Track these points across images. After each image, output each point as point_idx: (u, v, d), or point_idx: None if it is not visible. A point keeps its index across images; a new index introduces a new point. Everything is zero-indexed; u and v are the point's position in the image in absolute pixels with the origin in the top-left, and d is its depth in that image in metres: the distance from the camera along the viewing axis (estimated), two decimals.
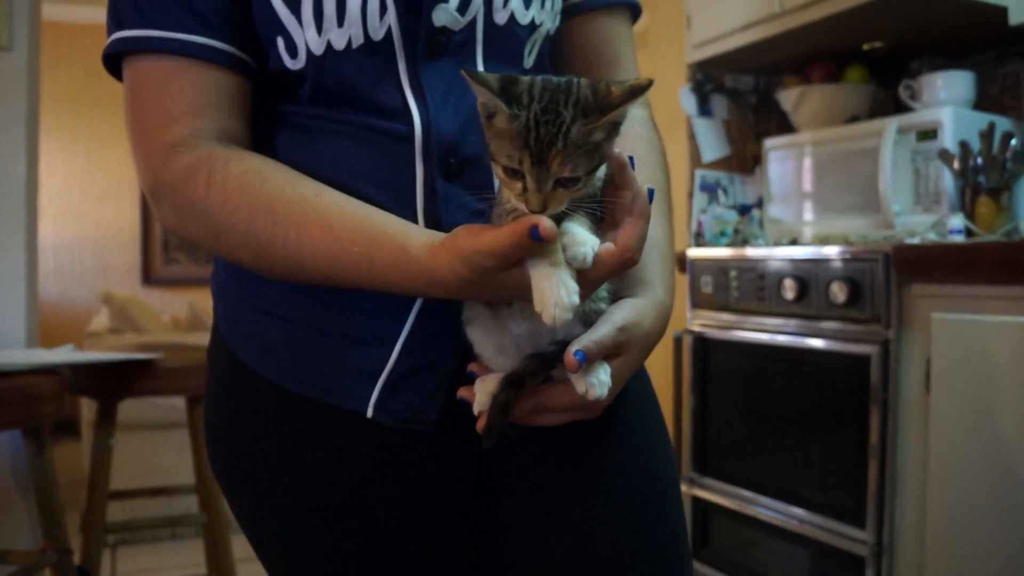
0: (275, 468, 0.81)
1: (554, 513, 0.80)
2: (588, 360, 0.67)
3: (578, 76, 0.69)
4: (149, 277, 5.68)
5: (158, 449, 3.20)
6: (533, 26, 0.81)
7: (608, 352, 0.70)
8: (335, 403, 0.79)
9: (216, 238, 0.75)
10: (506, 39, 0.79)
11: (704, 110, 2.69)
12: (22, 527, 2.11)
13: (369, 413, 0.78)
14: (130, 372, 1.98)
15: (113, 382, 1.97)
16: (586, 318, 0.71)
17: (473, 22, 0.77)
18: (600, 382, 0.68)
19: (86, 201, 5.47)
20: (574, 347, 0.67)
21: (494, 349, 0.73)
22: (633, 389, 0.84)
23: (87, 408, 3.13)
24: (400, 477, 0.80)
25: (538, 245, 0.61)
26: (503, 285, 0.66)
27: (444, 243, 0.68)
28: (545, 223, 0.61)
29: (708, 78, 2.69)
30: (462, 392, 0.73)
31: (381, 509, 0.80)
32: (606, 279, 0.67)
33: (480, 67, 0.78)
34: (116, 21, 0.76)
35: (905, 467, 1.81)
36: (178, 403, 3.04)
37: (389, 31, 0.74)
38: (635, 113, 0.89)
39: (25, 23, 2.17)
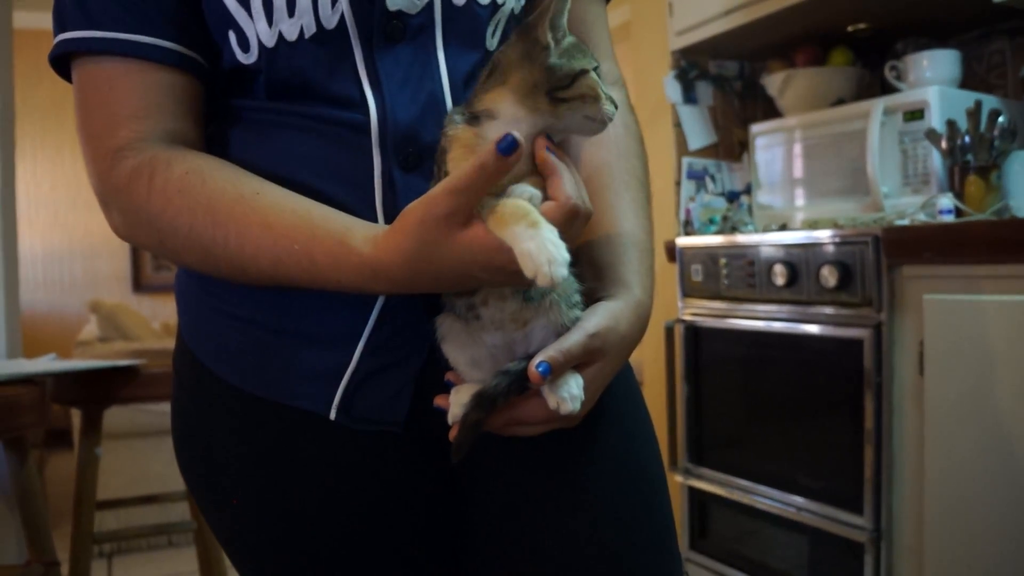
0: (238, 474, 0.79)
1: (533, 514, 0.77)
2: (554, 371, 0.65)
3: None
4: (140, 284, 5.64)
5: (151, 456, 3.18)
6: (495, 5, 0.78)
7: (578, 361, 0.67)
8: (297, 406, 0.76)
9: (162, 243, 0.73)
10: (466, 20, 0.76)
11: (689, 97, 2.67)
12: (9, 540, 2.08)
13: (332, 416, 0.76)
14: (113, 380, 1.95)
15: (96, 390, 1.95)
16: (560, 328, 0.68)
17: (430, 4, 0.74)
18: (572, 396, 0.66)
19: (73, 210, 5.43)
20: (538, 359, 0.64)
21: (468, 363, 0.71)
22: (616, 387, 0.81)
23: (78, 418, 3.11)
24: (368, 480, 0.78)
25: (506, 163, 0.59)
26: (456, 254, 0.62)
27: (390, 227, 0.65)
28: (515, 133, 0.59)
29: (692, 65, 2.67)
30: (438, 401, 0.71)
31: (349, 514, 0.78)
32: (566, 234, 0.63)
33: (440, 51, 0.75)
34: (60, 23, 0.74)
35: (901, 451, 1.79)
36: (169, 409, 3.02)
37: (342, 18, 0.72)
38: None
39: None
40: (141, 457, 3.16)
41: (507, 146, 0.58)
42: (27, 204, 5.22)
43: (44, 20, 4.96)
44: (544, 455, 0.78)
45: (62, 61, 0.76)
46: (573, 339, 0.67)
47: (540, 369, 0.64)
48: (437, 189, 0.62)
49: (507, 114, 0.66)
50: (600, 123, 0.67)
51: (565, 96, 0.65)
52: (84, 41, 0.72)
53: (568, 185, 0.64)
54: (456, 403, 0.69)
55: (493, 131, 0.65)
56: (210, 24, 0.74)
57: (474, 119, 0.67)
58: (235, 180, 0.71)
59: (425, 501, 0.80)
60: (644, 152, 0.86)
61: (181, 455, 0.84)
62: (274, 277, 0.70)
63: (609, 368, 0.72)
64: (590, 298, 0.74)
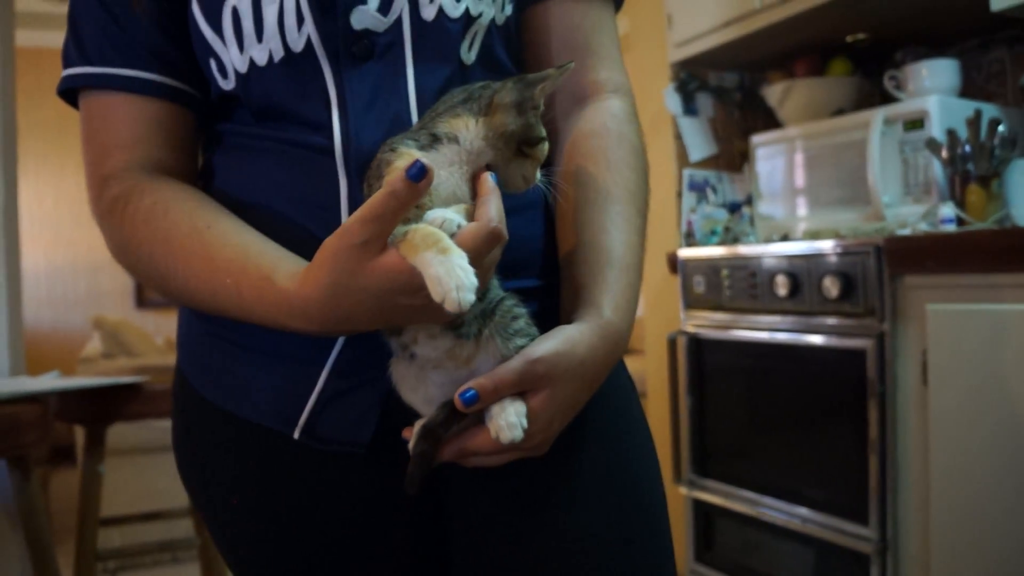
0: (221, 488, 0.80)
1: (518, 536, 0.76)
2: (482, 398, 0.64)
3: (544, 70, 0.70)
4: (143, 300, 5.65)
5: (155, 472, 3.17)
6: (469, 18, 0.76)
7: (514, 388, 0.66)
8: (265, 424, 0.77)
9: (134, 269, 0.76)
10: (437, 36, 0.75)
11: (689, 109, 2.67)
12: (12, 559, 2.08)
13: (295, 435, 0.76)
14: (117, 396, 1.95)
15: (100, 407, 1.95)
16: (504, 360, 0.67)
17: (399, 21, 0.74)
18: (509, 424, 0.64)
19: (77, 226, 5.45)
20: (466, 386, 0.64)
21: (423, 402, 0.71)
22: (607, 407, 0.80)
23: (82, 434, 3.11)
24: (344, 499, 0.78)
25: (416, 189, 0.58)
26: (373, 283, 0.61)
27: (310, 262, 0.65)
28: (425, 160, 0.59)
29: (692, 77, 2.68)
30: (405, 433, 0.71)
31: (330, 530, 0.78)
32: (483, 257, 0.63)
33: (410, 68, 0.74)
34: (64, 59, 0.78)
35: (906, 461, 1.78)
36: None
37: (309, 41, 0.72)
38: (607, 105, 0.84)
39: None
40: (145, 473, 3.16)
41: (416, 172, 0.58)
42: (30, 221, 5.23)
43: (47, 39, 4.99)
44: (523, 481, 0.76)
45: (72, 95, 0.80)
46: (509, 366, 0.66)
47: (464, 397, 0.64)
48: (351, 219, 0.61)
49: (470, 144, 0.68)
50: (527, 184, 0.71)
51: (527, 152, 0.69)
52: (80, 77, 0.77)
53: (494, 208, 0.64)
54: (415, 435, 0.69)
55: (450, 154, 0.67)
56: (196, 54, 0.77)
57: (434, 139, 0.67)
58: (193, 212, 0.73)
59: (404, 521, 0.80)
60: (641, 163, 0.83)
61: (179, 468, 0.86)
62: (213, 309, 0.72)
63: (564, 394, 0.68)
64: (565, 321, 0.72)
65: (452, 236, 0.61)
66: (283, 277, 0.66)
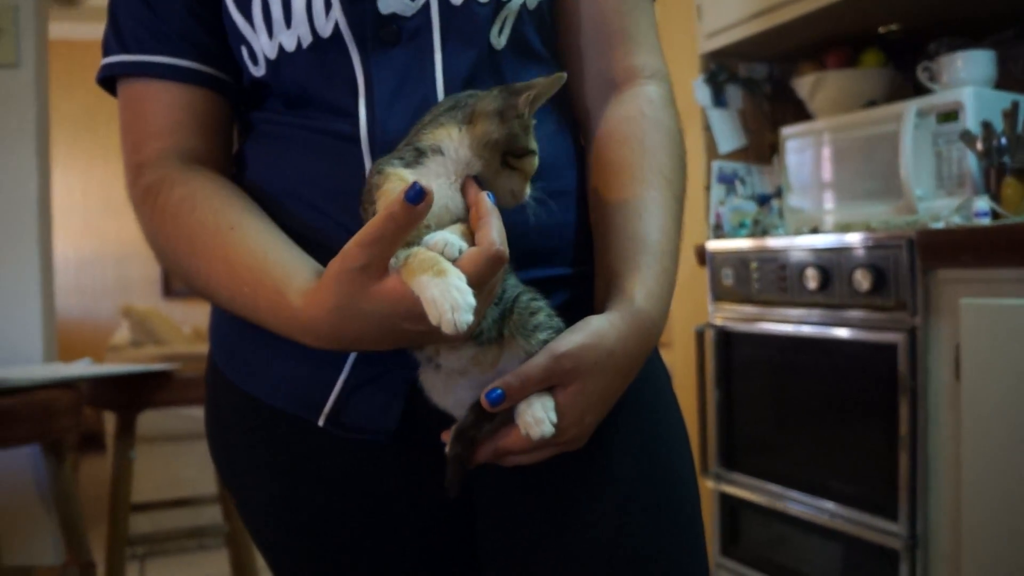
0: (246, 471, 0.82)
1: (543, 535, 0.76)
2: (509, 396, 0.64)
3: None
4: (170, 289, 5.71)
5: (183, 460, 3.21)
6: (499, 2, 0.75)
7: (541, 383, 0.65)
8: (290, 411, 0.78)
9: (162, 260, 0.77)
10: (465, 20, 0.74)
11: (719, 101, 2.65)
12: (46, 542, 2.11)
13: (320, 423, 0.76)
14: (148, 384, 1.97)
15: (131, 394, 1.97)
16: (529, 357, 0.67)
17: (427, 5, 0.73)
18: (536, 420, 0.64)
19: (105, 216, 5.51)
20: (492, 385, 0.64)
21: (455, 405, 0.71)
22: (643, 398, 0.79)
23: (111, 421, 3.16)
24: (368, 487, 0.78)
25: (415, 211, 0.57)
26: (376, 308, 0.61)
27: (318, 281, 0.64)
28: (423, 181, 0.58)
29: (722, 68, 2.65)
30: (444, 436, 0.70)
31: (346, 519, 0.79)
32: (487, 281, 0.61)
33: (438, 53, 0.73)
34: (104, 48, 0.79)
35: (937, 457, 1.77)
36: (201, 413, 3.05)
37: (337, 26, 0.72)
38: (643, 91, 0.82)
39: (32, 40, 2.17)
40: (173, 461, 3.20)
41: (415, 195, 0.57)
42: (59, 211, 5.27)
43: (78, 30, 5.04)
44: (553, 474, 0.75)
45: (112, 83, 0.80)
46: (534, 362, 0.65)
47: (491, 397, 0.63)
48: (350, 242, 0.60)
49: (455, 154, 0.66)
50: (516, 200, 0.68)
51: (513, 164, 0.66)
52: (117, 65, 0.78)
53: (495, 230, 0.62)
54: (450, 439, 0.69)
55: (435, 167, 0.65)
56: (229, 40, 0.77)
57: (419, 154, 0.66)
58: (219, 211, 0.73)
59: (427, 509, 0.80)
60: (678, 149, 0.81)
61: (211, 451, 0.88)
62: (233, 311, 0.73)
63: (595, 387, 0.67)
64: (599, 309, 0.72)
65: (454, 261, 0.60)
66: (294, 294, 0.66)
